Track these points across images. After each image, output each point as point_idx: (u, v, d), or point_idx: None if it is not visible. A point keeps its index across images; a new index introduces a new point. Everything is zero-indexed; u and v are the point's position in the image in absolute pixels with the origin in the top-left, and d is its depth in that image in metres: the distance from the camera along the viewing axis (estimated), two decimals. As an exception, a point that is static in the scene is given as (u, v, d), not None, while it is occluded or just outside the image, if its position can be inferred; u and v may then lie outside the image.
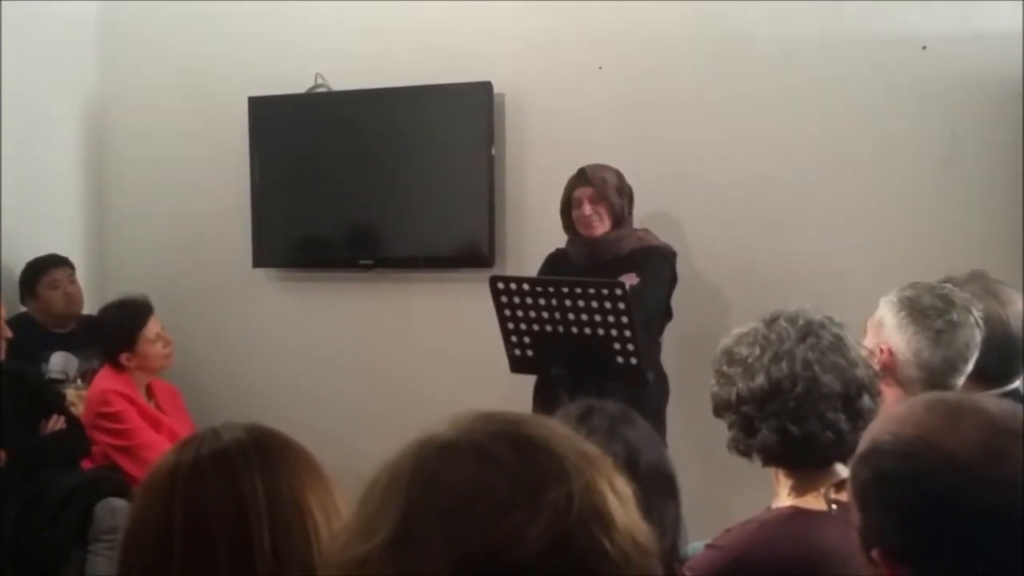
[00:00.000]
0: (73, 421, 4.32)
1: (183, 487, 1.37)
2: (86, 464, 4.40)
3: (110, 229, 5.67)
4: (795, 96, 4.48)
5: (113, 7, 5.54)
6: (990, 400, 1.33)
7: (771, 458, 2.11)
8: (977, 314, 2.58)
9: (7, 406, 4.04)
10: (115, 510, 4.04)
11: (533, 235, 4.75)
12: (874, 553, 1.27)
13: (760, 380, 2.06)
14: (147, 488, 1.41)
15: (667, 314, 4.25)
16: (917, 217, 4.33)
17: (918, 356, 2.56)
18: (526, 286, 3.70)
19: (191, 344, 5.14)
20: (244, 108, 5.24)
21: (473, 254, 4.92)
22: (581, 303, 3.59)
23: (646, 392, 3.80)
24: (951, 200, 4.29)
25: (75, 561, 4.07)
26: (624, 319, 3.56)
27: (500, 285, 3.73)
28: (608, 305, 3.56)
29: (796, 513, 2.07)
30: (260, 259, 5.33)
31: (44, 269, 4.88)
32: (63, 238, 5.25)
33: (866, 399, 2.06)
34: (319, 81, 5.17)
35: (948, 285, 2.69)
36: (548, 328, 3.68)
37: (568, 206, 4.27)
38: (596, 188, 4.19)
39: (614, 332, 3.59)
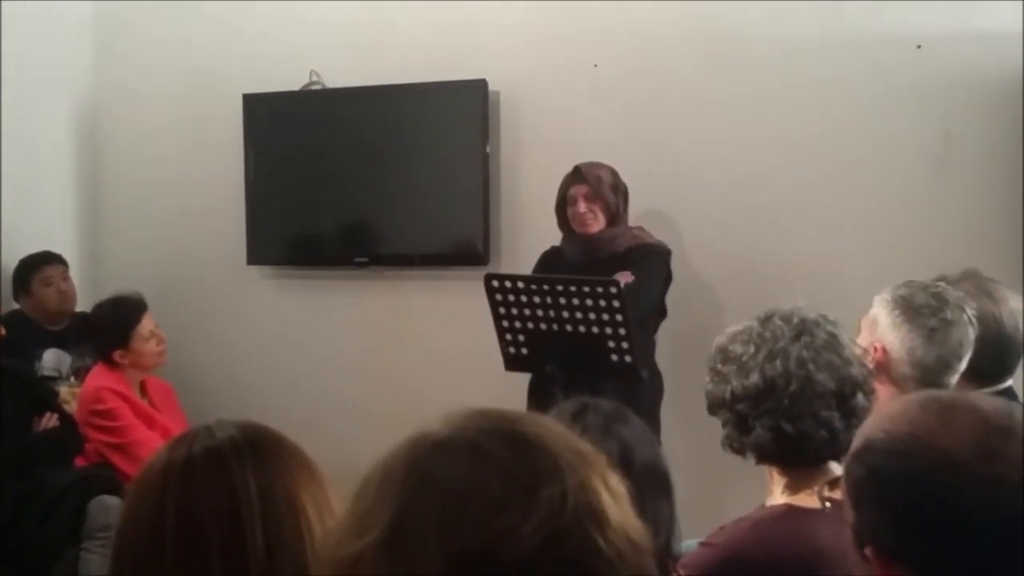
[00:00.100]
0: (66, 418, 4.32)
1: (176, 485, 1.37)
2: (79, 461, 4.39)
3: (104, 227, 5.66)
4: (791, 95, 4.48)
5: (108, 4, 5.53)
6: (984, 398, 1.33)
7: (765, 456, 2.12)
8: (971, 312, 2.59)
9: (0, 404, 4.04)
10: (108, 508, 4.03)
11: (528, 233, 4.75)
12: (867, 551, 1.27)
13: (754, 378, 2.07)
14: (140, 486, 1.41)
15: (662, 312, 4.25)
16: (913, 216, 4.33)
17: (912, 354, 2.56)
18: (521, 284, 3.70)
19: (185, 341, 5.13)
20: (239, 105, 5.24)
21: (468, 252, 4.92)
22: (576, 301, 3.59)
23: (640, 390, 3.80)
24: (948, 199, 4.29)
25: (68, 559, 4.06)
26: (619, 317, 3.56)
27: (495, 283, 3.73)
28: (603, 303, 3.56)
29: (790, 511, 2.07)
30: (255, 256, 5.32)
31: (37, 266, 4.87)
32: (57, 235, 5.24)
33: (860, 397, 2.07)
34: (314, 78, 5.17)
35: (942, 284, 2.69)
36: (543, 326, 3.68)
37: (563, 204, 4.27)
38: (591, 186, 4.19)
39: (609, 330, 3.59)
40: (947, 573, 1.22)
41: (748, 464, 2.18)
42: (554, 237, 4.36)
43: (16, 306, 4.88)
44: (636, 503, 1.00)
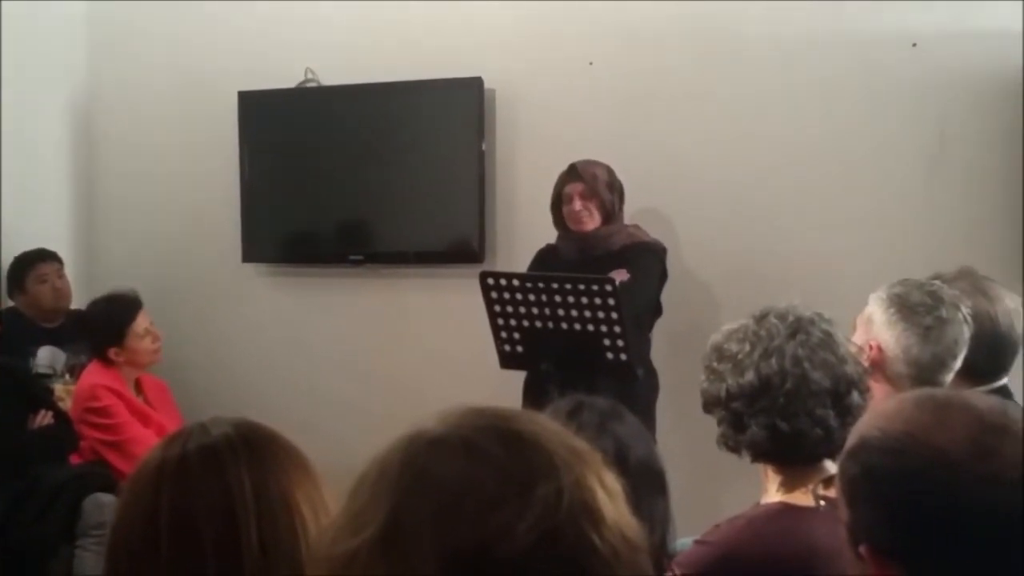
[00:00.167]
0: (61, 416, 4.31)
1: (170, 482, 1.36)
2: (74, 459, 4.39)
3: (99, 224, 5.65)
4: (788, 94, 4.48)
5: (103, 3, 5.52)
6: (979, 396, 1.32)
7: (760, 454, 2.12)
8: (966, 311, 2.59)
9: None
10: (103, 505, 4.03)
11: (523, 231, 4.75)
12: (862, 549, 1.27)
13: (750, 376, 2.07)
14: (134, 483, 1.40)
15: (657, 310, 4.25)
16: (909, 215, 4.33)
17: (907, 352, 2.57)
18: (516, 282, 3.70)
19: (180, 339, 5.12)
20: (234, 103, 5.23)
21: (463, 249, 4.92)
22: (571, 299, 3.59)
23: (636, 388, 3.80)
24: (944, 198, 4.29)
25: (63, 557, 4.06)
26: (614, 315, 3.56)
27: (490, 281, 3.73)
28: (598, 301, 3.56)
29: (785, 509, 2.07)
30: (250, 254, 5.32)
31: (32, 264, 4.86)
32: (52, 233, 5.23)
33: (855, 395, 2.07)
34: (309, 76, 5.16)
35: (937, 282, 2.69)
36: (538, 324, 3.69)
37: (559, 202, 4.27)
38: (587, 184, 4.19)
39: (604, 328, 3.59)
40: (942, 571, 1.22)
41: (743, 462, 2.18)
42: (549, 235, 4.36)
43: (11, 303, 4.88)
44: (631, 501, 1.01)
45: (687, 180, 4.61)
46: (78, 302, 4.98)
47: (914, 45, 4.30)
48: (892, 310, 2.60)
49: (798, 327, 2.09)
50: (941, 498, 1.20)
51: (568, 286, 3.59)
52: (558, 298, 3.61)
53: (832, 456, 2.03)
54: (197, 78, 5.38)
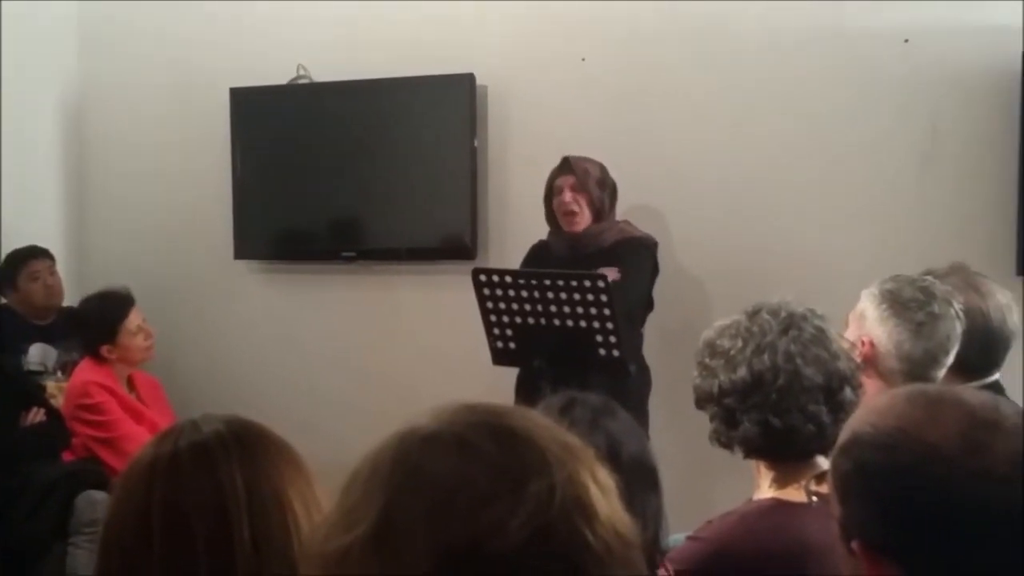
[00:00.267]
0: (53, 413, 4.31)
1: (162, 480, 1.36)
2: (66, 456, 4.38)
3: (91, 221, 5.65)
4: (780, 89, 4.47)
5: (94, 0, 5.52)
6: (971, 392, 1.33)
7: (753, 450, 2.12)
8: (958, 306, 2.59)
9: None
10: (96, 502, 4.03)
11: (516, 227, 4.74)
12: (854, 545, 1.27)
13: (742, 372, 2.07)
14: (126, 481, 1.40)
15: (648, 305, 4.25)
16: (901, 211, 4.34)
17: (899, 348, 2.57)
18: (508, 278, 3.70)
19: (172, 336, 5.12)
20: (226, 99, 5.22)
21: (456, 246, 4.91)
22: (563, 295, 3.59)
23: (628, 384, 3.80)
24: (936, 194, 4.30)
25: (56, 554, 4.05)
26: (606, 311, 3.56)
27: (483, 277, 3.73)
28: (590, 297, 3.56)
29: (777, 505, 2.07)
30: (242, 251, 5.31)
31: (24, 261, 4.86)
32: (43, 230, 5.22)
33: (848, 391, 2.07)
34: (301, 72, 5.15)
35: (929, 278, 2.69)
36: (531, 320, 3.69)
37: (551, 195, 4.27)
38: (578, 178, 4.19)
39: (596, 324, 3.59)
40: (934, 567, 1.22)
41: (736, 458, 2.18)
42: (542, 231, 4.36)
43: (2, 300, 4.87)
44: (624, 497, 1.00)
45: (679, 176, 4.61)
46: (70, 299, 4.98)
47: (906, 41, 4.30)
48: (884, 306, 2.60)
49: (790, 323, 2.09)
50: (933, 494, 1.20)
51: (560, 282, 3.59)
52: (550, 294, 3.61)
53: (824, 452, 2.03)
54: (189, 75, 5.37)
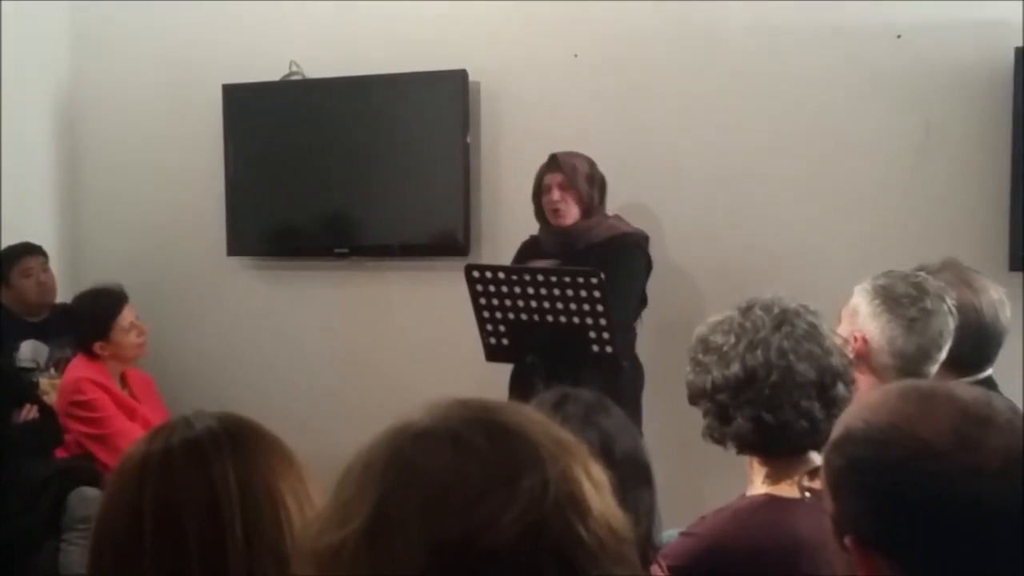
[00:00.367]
0: (46, 410, 4.30)
1: (154, 476, 1.36)
2: (59, 453, 4.38)
3: (84, 218, 5.63)
4: (772, 85, 4.48)
5: (87, -3, 5.51)
6: (963, 388, 1.33)
7: (746, 446, 2.12)
8: (951, 302, 2.60)
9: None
10: (88, 499, 4.01)
11: (508, 223, 4.74)
12: (847, 540, 1.27)
13: (735, 368, 2.07)
14: (118, 477, 1.40)
15: (642, 301, 4.25)
16: (894, 206, 4.34)
17: (892, 344, 2.57)
18: (501, 274, 3.70)
19: (165, 333, 5.11)
20: (218, 96, 5.21)
21: (448, 242, 4.91)
22: (556, 291, 3.59)
23: (621, 380, 3.80)
24: (929, 189, 4.30)
25: (48, 551, 4.04)
26: (599, 307, 3.57)
27: (475, 273, 3.73)
28: (583, 293, 3.56)
29: (770, 501, 2.08)
30: (235, 247, 5.31)
31: (17, 257, 4.84)
32: (36, 226, 5.21)
33: (840, 387, 2.07)
34: (294, 69, 5.15)
35: (922, 273, 2.69)
36: (524, 316, 3.69)
37: (539, 191, 4.26)
38: (566, 175, 4.17)
39: (589, 320, 3.60)
40: (926, 562, 1.22)
41: (729, 454, 2.18)
42: (535, 227, 4.36)
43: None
44: (617, 493, 1.00)
45: (672, 172, 4.61)
46: (63, 296, 4.97)
47: (898, 37, 4.30)
48: (877, 301, 2.60)
49: (783, 319, 2.09)
50: (925, 489, 1.21)
51: (553, 279, 3.60)
52: (543, 291, 3.61)
53: (817, 448, 2.03)
54: (181, 71, 5.36)
